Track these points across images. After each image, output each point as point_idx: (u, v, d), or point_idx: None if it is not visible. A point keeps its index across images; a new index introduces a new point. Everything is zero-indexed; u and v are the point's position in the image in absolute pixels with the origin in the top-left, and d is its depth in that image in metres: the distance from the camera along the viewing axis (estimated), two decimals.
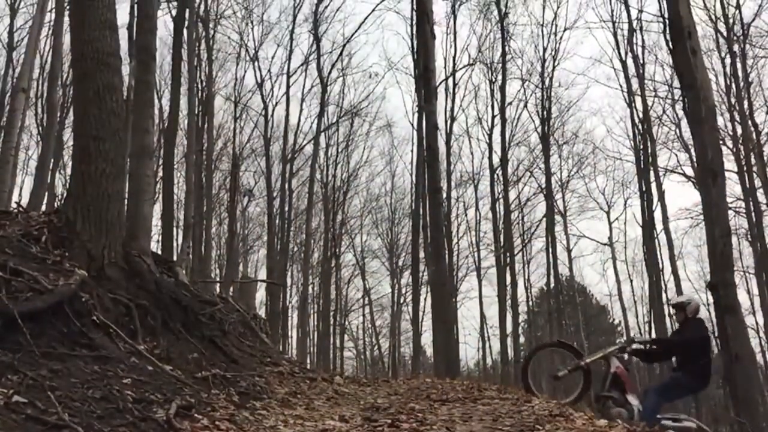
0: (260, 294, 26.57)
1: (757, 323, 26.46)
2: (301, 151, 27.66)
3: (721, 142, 14.40)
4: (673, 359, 7.02)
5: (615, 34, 25.12)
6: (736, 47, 23.00)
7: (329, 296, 29.94)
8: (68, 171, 15.36)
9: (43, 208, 13.93)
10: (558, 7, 28.45)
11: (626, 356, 6.48)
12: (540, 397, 6.44)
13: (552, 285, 27.32)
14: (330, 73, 26.92)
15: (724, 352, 9.73)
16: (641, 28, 23.97)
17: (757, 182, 22.71)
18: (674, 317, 6.92)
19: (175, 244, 16.61)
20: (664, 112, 25.77)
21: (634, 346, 6.58)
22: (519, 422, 4.84)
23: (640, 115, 24.50)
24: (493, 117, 26.88)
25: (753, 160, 22.98)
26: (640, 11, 23.54)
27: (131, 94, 11.87)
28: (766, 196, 22.53)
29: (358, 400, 6.21)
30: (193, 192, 19.63)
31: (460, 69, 26.53)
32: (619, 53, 25.02)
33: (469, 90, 28.76)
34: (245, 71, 32.09)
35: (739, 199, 23.67)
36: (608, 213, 30.05)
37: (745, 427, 9.25)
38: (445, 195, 22.37)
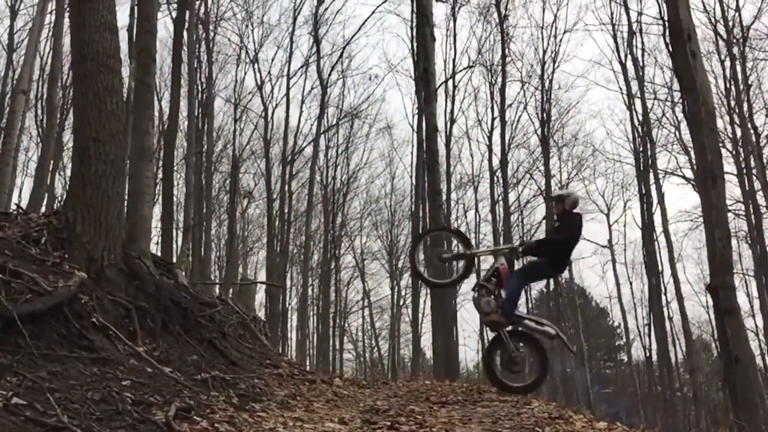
0: (260, 296, 26.57)
1: (756, 326, 26.51)
2: (300, 153, 27.71)
3: (720, 144, 14.40)
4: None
5: (615, 37, 25.20)
6: (735, 50, 23.03)
7: (329, 298, 29.94)
8: (68, 172, 15.39)
9: (43, 209, 13.93)
10: (558, 10, 28.73)
11: (514, 258, 6.57)
12: (427, 278, 6.81)
13: (552, 287, 27.33)
14: (330, 75, 26.99)
15: (723, 354, 9.73)
16: (641, 31, 24.04)
17: (757, 185, 22.74)
18: (553, 209, 7.01)
19: (174, 246, 16.62)
20: (663, 114, 25.84)
21: (520, 250, 6.67)
22: (518, 424, 4.85)
23: (640, 118, 24.55)
24: (493, 119, 26.93)
25: (752, 163, 23.01)
26: (640, 14, 23.64)
27: (131, 95, 11.87)
28: (765, 198, 22.56)
29: (358, 402, 6.21)
30: (192, 194, 19.63)
31: (460, 71, 26.58)
32: (619, 56, 25.09)
33: (469, 92, 28.85)
34: (245, 73, 32.21)
35: (739, 202, 23.70)
36: (608, 215, 30.10)
37: (744, 429, 9.24)
38: (444, 197, 22.34)
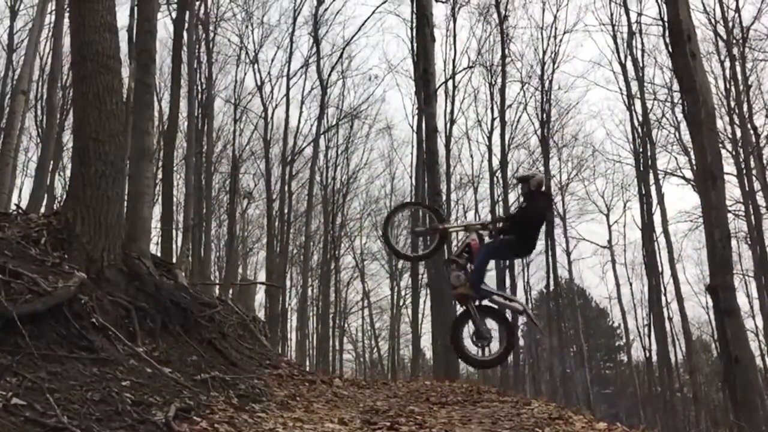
0: (259, 296, 26.59)
1: (756, 326, 26.49)
2: (300, 154, 27.70)
3: (720, 145, 14.40)
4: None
5: (615, 38, 25.20)
6: (735, 50, 23.03)
7: (328, 298, 29.94)
8: (68, 173, 15.39)
9: (43, 210, 13.93)
10: (558, 11, 28.69)
11: (485, 234, 6.62)
12: (399, 251, 6.81)
13: (551, 288, 27.32)
14: (330, 75, 26.98)
15: (723, 355, 9.73)
16: (641, 32, 24.05)
17: (757, 185, 22.73)
18: (520, 190, 7.08)
19: (174, 246, 16.61)
20: (663, 115, 25.82)
21: (491, 226, 6.72)
22: (518, 425, 4.85)
23: (640, 118, 24.56)
24: (493, 120, 26.93)
25: (752, 163, 23.01)
26: (640, 14, 23.63)
27: (131, 96, 11.86)
28: (765, 199, 22.56)
29: (358, 402, 6.21)
30: (192, 194, 19.62)
31: (460, 72, 26.58)
32: (619, 56, 25.09)
33: (469, 93, 28.80)
34: (245, 74, 32.15)
35: (739, 202, 23.70)
36: (608, 216, 30.10)
37: (744, 430, 9.24)
38: (444, 197, 22.33)
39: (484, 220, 6.78)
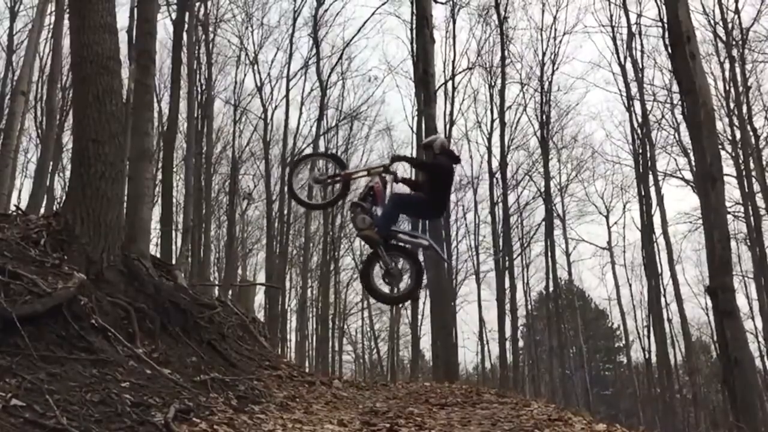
0: (259, 297, 26.54)
1: (756, 328, 26.45)
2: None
3: (720, 146, 14.40)
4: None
5: (614, 39, 25.18)
6: (735, 52, 23.03)
7: (328, 300, 29.90)
8: (67, 174, 15.40)
9: (42, 211, 13.93)
10: (557, 12, 28.70)
11: (387, 177, 6.66)
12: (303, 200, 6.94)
13: (551, 289, 27.32)
14: (329, 76, 26.94)
15: (723, 356, 9.73)
16: (640, 33, 24.04)
17: (756, 186, 22.74)
18: (425, 158, 7.13)
19: (174, 248, 16.60)
20: (663, 116, 25.79)
21: (393, 168, 6.75)
22: (518, 426, 4.85)
23: (639, 120, 24.56)
24: (493, 121, 26.90)
25: (752, 165, 23.02)
26: (639, 16, 23.61)
27: (131, 97, 11.86)
28: (765, 200, 22.56)
29: (357, 404, 6.21)
30: (192, 195, 19.62)
31: (460, 73, 26.53)
32: (618, 57, 25.09)
33: (469, 94, 28.78)
34: (245, 75, 32.02)
35: (738, 204, 23.69)
36: (607, 217, 30.08)
37: (743, 431, 9.24)
38: None
39: (385, 162, 6.83)
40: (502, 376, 25.02)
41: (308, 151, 25.56)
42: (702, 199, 10.61)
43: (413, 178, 6.83)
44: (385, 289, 6.58)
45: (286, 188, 7.37)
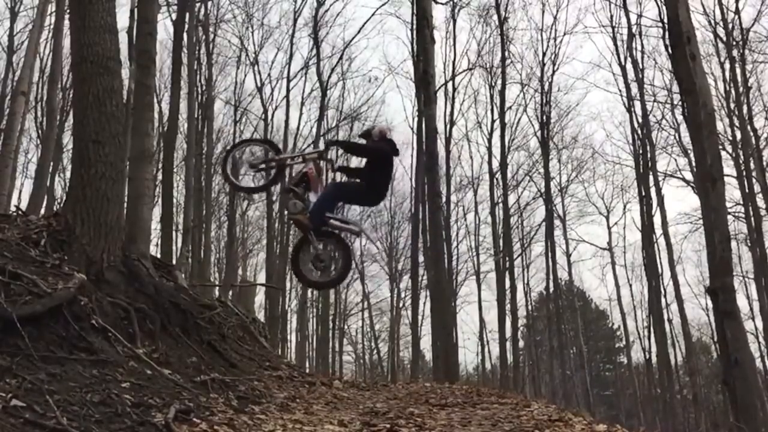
0: (259, 298, 26.58)
1: (756, 328, 26.50)
2: None
3: (720, 146, 14.40)
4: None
5: (614, 39, 25.15)
6: (735, 52, 23.02)
7: (328, 300, 29.89)
8: (68, 174, 15.39)
9: (42, 211, 13.93)
10: (557, 12, 28.68)
11: (322, 164, 6.67)
12: (237, 184, 7.10)
13: (551, 289, 27.32)
14: (330, 77, 26.91)
15: (723, 356, 9.72)
16: (640, 33, 24.01)
17: (757, 187, 22.73)
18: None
19: (174, 248, 16.61)
20: (663, 116, 25.81)
21: (330, 156, 6.75)
22: (518, 427, 4.85)
23: (640, 120, 24.54)
24: (493, 121, 26.91)
25: (752, 165, 23.01)
26: (640, 16, 23.57)
27: (131, 97, 11.86)
28: (765, 201, 22.56)
29: (357, 404, 6.20)
30: (192, 195, 19.63)
31: (460, 73, 26.54)
32: (619, 58, 25.07)
33: (469, 94, 28.80)
34: (245, 75, 32.06)
35: (739, 204, 23.69)
36: (607, 217, 30.14)
37: None
38: (444, 199, 22.32)
39: (320, 149, 6.85)
40: (502, 377, 25.03)
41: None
42: (702, 199, 10.60)
43: (352, 166, 6.83)
44: (315, 274, 6.59)
45: (221, 173, 7.47)
